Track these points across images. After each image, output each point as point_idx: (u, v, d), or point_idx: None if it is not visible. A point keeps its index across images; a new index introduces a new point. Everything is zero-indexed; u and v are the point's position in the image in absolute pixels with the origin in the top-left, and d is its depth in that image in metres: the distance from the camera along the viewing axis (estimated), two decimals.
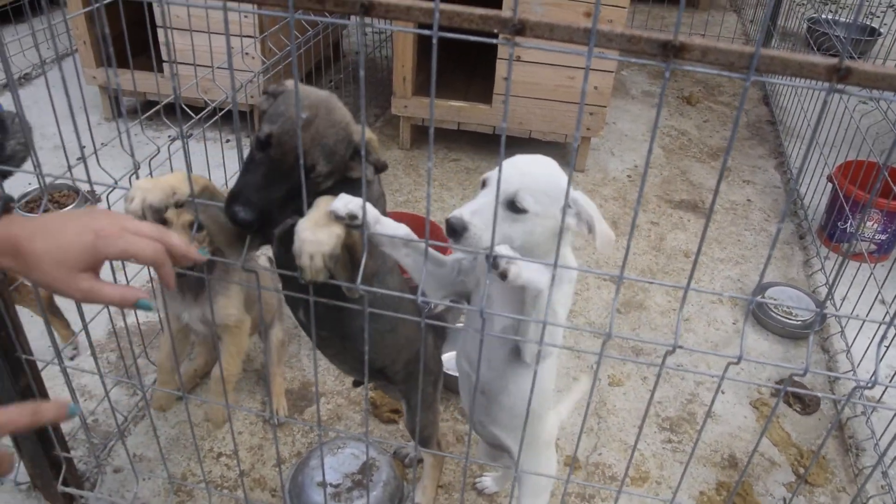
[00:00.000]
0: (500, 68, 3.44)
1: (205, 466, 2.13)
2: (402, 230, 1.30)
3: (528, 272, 1.16)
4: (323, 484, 1.98)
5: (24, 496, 2.01)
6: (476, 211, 1.18)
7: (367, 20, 0.96)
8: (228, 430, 2.24)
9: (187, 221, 1.86)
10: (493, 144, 3.83)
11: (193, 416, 2.28)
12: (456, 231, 1.17)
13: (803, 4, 5.70)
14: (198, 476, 2.10)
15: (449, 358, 2.42)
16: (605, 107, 3.49)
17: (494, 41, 1.00)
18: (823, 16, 5.37)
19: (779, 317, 2.79)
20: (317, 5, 1.03)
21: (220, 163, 2.91)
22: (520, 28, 1.00)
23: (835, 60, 0.88)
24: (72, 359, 2.38)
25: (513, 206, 1.22)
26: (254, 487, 2.08)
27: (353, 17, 0.99)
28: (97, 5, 1.83)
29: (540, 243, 1.28)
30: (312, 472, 2.02)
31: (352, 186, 1.33)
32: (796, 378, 2.59)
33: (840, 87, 0.88)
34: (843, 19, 5.53)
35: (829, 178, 3.23)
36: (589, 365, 2.57)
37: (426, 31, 0.92)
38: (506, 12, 1.01)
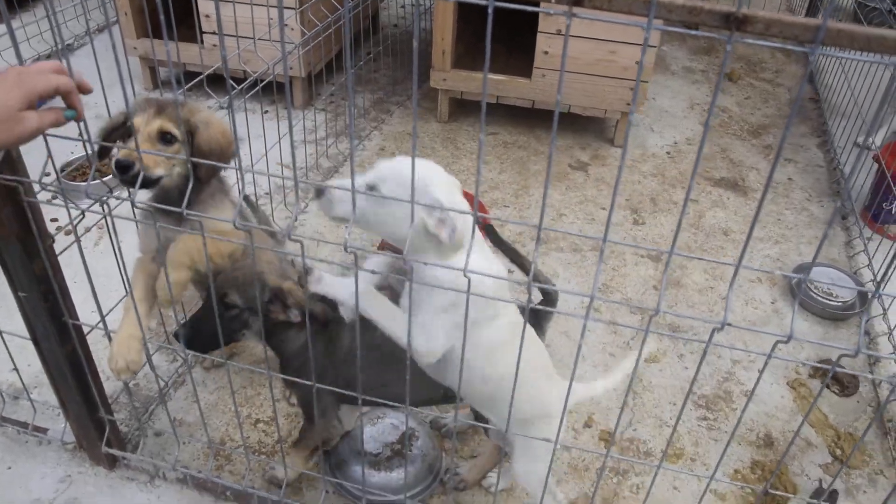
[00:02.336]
0: (541, 42, 3.41)
1: (243, 432, 2.17)
2: None
3: (328, 285, 1.39)
4: (362, 454, 2.01)
5: (70, 455, 2.06)
6: (342, 184, 1.28)
7: None
8: (257, 395, 2.27)
9: (155, 129, 1.71)
10: (531, 118, 3.81)
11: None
12: (317, 194, 1.33)
13: None
14: (236, 441, 2.14)
15: None
16: (646, 82, 3.45)
17: (539, 10, 0.99)
18: None
19: (819, 298, 2.75)
20: None
21: (259, 133, 2.93)
22: None
23: None
24: None
25: (372, 189, 1.31)
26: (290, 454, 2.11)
27: None
28: None
29: (396, 234, 1.34)
30: (352, 442, 2.05)
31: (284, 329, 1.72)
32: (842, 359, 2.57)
33: None
34: None
35: (876, 158, 3.17)
36: (625, 342, 2.56)
37: (482, 1, 0.91)
38: None
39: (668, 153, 3.73)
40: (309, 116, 3.56)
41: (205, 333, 1.67)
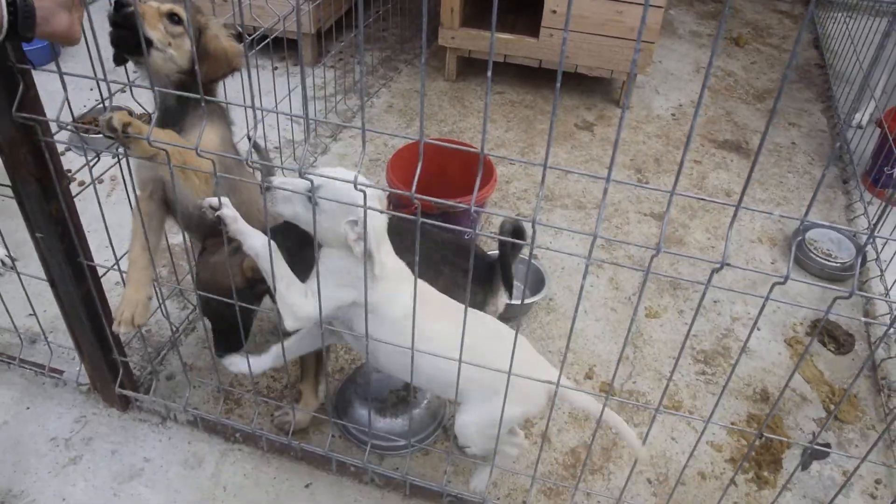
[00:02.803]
0: (549, 1, 3.41)
1: (252, 378, 2.22)
2: None
3: (243, 232, 1.46)
4: (369, 399, 2.06)
5: (84, 397, 2.12)
6: (288, 183, 1.42)
7: None
8: (266, 343, 2.32)
9: (165, 8, 1.73)
10: (538, 78, 3.81)
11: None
12: (264, 188, 1.43)
13: None
14: (245, 386, 2.20)
15: None
16: (653, 43, 3.45)
17: None
18: None
19: (818, 258, 2.79)
20: None
21: (270, 89, 2.96)
22: None
23: None
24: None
25: (310, 198, 1.40)
26: (299, 399, 2.17)
27: None
28: None
29: (328, 240, 1.48)
30: (359, 388, 2.11)
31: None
32: (832, 317, 2.61)
33: None
34: None
35: (878, 123, 3.19)
36: (627, 297, 2.61)
37: None
38: None
39: (672, 115, 3.75)
40: (318, 73, 3.58)
41: (234, 336, 1.78)
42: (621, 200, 3.08)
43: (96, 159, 1.78)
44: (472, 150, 1.20)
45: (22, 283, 1.98)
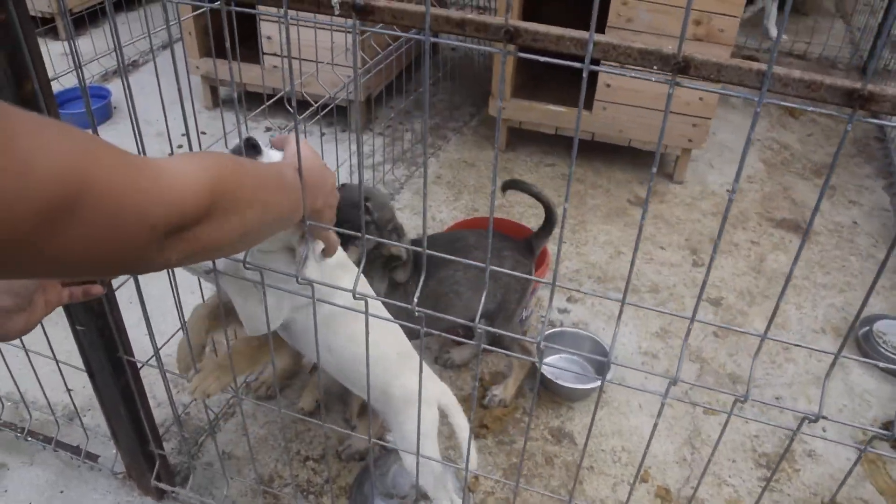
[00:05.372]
0: (603, 75, 3.34)
1: (292, 470, 2.13)
2: None
3: None
4: (387, 494, 1.96)
5: (119, 483, 2.04)
6: None
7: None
8: (307, 431, 2.24)
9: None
10: (590, 150, 3.73)
11: (284, 418, 2.28)
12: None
13: None
14: (285, 479, 2.10)
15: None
16: (709, 118, 3.36)
17: (640, 76, 0.94)
18: None
19: (888, 353, 2.63)
20: (457, 29, 0.99)
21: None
22: (683, 66, 0.94)
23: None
24: None
25: None
26: (340, 495, 2.07)
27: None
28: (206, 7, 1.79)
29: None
30: (377, 481, 2.00)
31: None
32: None
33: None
34: None
35: None
36: (684, 391, 2.48)
37: (577, 64, 0.88)
38: (666, 49, 0.95)
39: (727, 190, 3.64)
40: (367, 141, 3.54)
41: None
42: (676, 284, 2.96)
43: None
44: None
45: (59, 369, 1.91)
